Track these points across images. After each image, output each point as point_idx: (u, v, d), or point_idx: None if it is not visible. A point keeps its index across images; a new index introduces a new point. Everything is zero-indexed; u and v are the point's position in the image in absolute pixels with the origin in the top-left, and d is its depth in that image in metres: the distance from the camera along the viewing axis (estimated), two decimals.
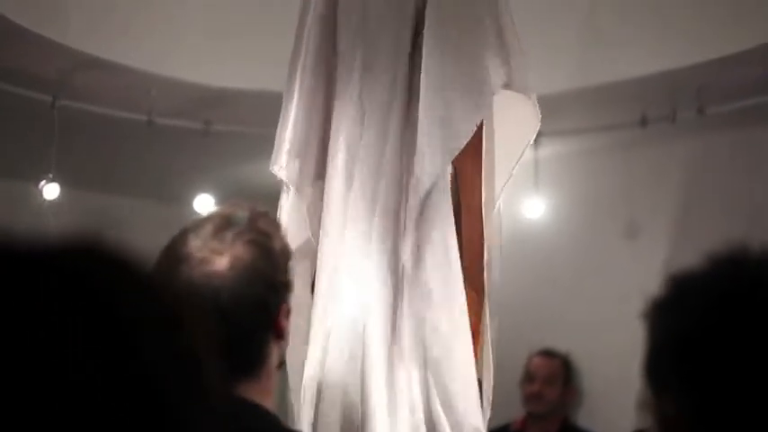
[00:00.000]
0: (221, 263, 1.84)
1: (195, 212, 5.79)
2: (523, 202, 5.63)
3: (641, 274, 5.54)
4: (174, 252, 1.88)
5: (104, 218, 6.33)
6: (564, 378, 5.63)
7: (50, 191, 5.11)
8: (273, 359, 1.93)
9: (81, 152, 5.60)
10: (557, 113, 5.22)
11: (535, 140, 5.52)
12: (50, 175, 5.07)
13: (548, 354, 5.66)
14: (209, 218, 1.97)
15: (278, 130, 2.80)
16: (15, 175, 5.68)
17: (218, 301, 1.81)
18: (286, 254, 1.95)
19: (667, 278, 1.23)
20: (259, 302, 1.87)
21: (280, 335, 1.93)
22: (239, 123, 5.45)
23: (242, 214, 1.94)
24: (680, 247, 5.38)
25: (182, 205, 6.11)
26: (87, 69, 4.74)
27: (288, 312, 1.95)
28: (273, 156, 2.76)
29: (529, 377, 5.64)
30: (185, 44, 4.85)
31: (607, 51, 4.81)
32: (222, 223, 1.92)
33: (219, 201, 5.75)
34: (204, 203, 5.71)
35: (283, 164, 2.72)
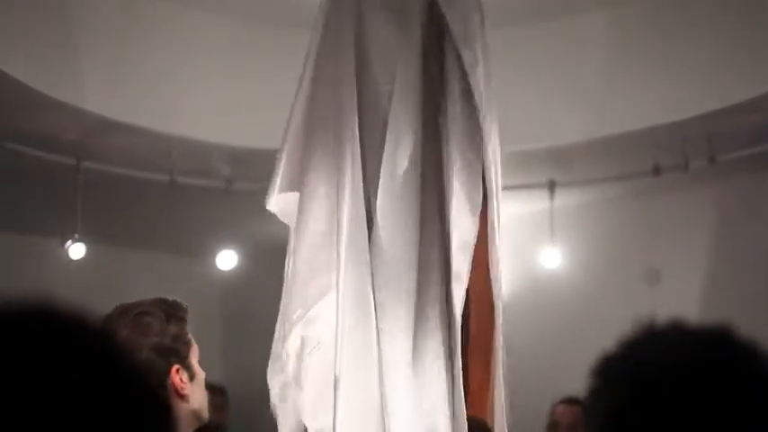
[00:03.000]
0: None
1: (218, 268, 5.88)
2: (540, 252, 5.69)
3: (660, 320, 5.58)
4: None
5: (128, 275, 6.44)
6: None
7: (76, 251, 5.20)
8: (182, 419, 2.28)
9: (105, 212, 5.70)
10: (571, 164, 5.31)
11: (550, 190, 5.64)
12: (76, 236, 5.16)
13: (571, 401, 5.68)
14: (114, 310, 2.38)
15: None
16: (42, 234, 5.79)
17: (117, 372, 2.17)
18: (174, 326, 2.39)
19: (593, 368, 1.31)
20: (146, 365, 2.19)
21: (179, 394, 2.29)
22: (259, 181, 5.53)
23: (134, 302, 2.39)
24: (696, 291, 5.43)
25: (205, 261, 6.20)
26: (110, 133, 4.84)
27: (179, 372, 2.32)
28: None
29: (554, 425, 5.67)
30: (205, 106, 4.95)
31: (619, 102, 4.89)
32: (118, 311, 2.35)
33: (241, 256, 5.84)
34: (227, 259, 5.79)
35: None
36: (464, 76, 2.87)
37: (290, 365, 2.78)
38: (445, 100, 2.88)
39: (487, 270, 2.82)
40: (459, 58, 2.89)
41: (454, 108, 2.86)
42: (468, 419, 2.72)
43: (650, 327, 1.24)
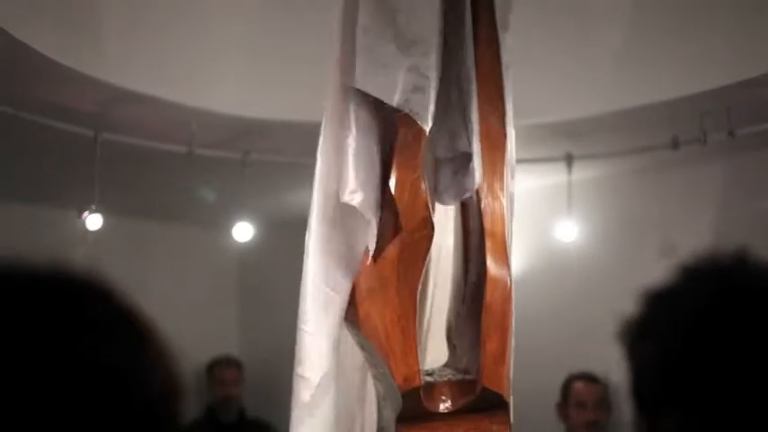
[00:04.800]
0: None
1: (234, 240, 5.89)
2: (557, 225, 5.68)
3: None
4: None
5: (145, 246, 6.46)
6: (609, 400, 5.63)
7: (93, 221, 5.21)
8: None
9: (123, 183, 5.72)
10: (588, 137, 5.29)
11: (568, 164, 5.63)
12: (93, 207, 5.17)
13: (591, 379, 5.66)
14: None
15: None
16: (60, 205, 5.81)
17: None
18: None
19: (640, 296, 1.21)
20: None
21: None
22: (276, 153, 5.55)
23: None
24: None
25: (222, 233, 6.22)
26: (127, 103, 4.85)
27: None
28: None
29: (579, 404, 5.63)
30: (222, 76, 4.95)
31: (637, 75, 4.86)
32: None
33: (258, 229, 5.85)
34: (243, 231, 5.81)
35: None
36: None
37: None
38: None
39: (503, 242, 2.82)
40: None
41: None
42: (486, 392, 2.73)
43: (712, 258, 1.18)
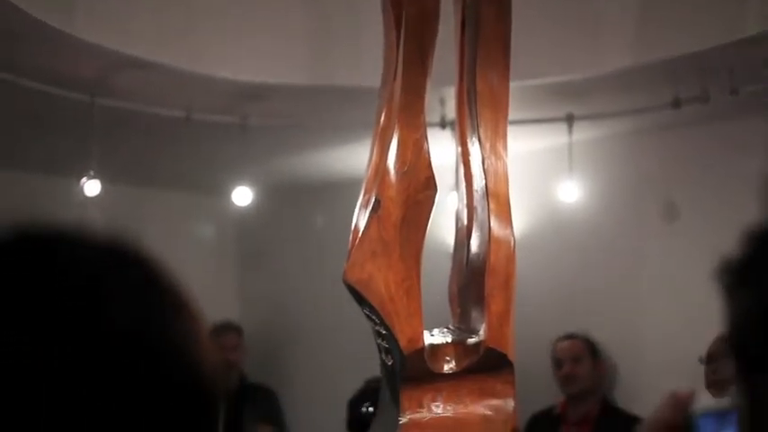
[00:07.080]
0: None
1: (234, 204, 5.87)
2: (559, 186, 5.67)
3: (678, 255, 5.56)
4: None
5: (144, 212, 6.44)
6: (590, 355, 5.71)
7: (92, 188, 5.19)
8: None
9: (121, 149, 5.69)
10: (590, 97, 5.26)
11: (569, 124, 5.60)
12: (92, 173, 5.15)
13: (569, 336, 5.76)
14: None
15: None
16: (58, 172, 5.79)
17: None
18: None
19: (746, 233, 1.04)
20: None
21: None
22: (275, 117, 5.52)
23: None
24: (717, 226, 5.39)
25: (221, 197, 6.20)
26: (125, 69, 4.81)
27: None
28: None
29: (557, 362, 5.75)
30: (220, 41, 4.91)
31: (637, 34, 4.82)
32: None
33: (257, 193, 5.82)
34: (242, 195, 5.78)
35: None
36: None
37: None
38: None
39: (506, 203, 2.80)
40: None
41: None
42: (490, 352, 2.72)
43: None
